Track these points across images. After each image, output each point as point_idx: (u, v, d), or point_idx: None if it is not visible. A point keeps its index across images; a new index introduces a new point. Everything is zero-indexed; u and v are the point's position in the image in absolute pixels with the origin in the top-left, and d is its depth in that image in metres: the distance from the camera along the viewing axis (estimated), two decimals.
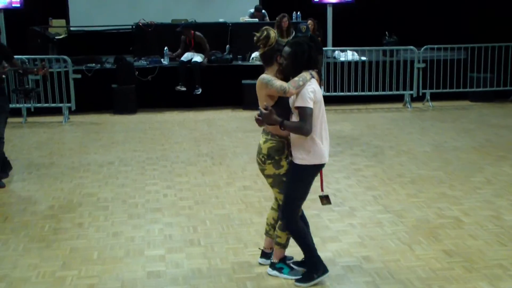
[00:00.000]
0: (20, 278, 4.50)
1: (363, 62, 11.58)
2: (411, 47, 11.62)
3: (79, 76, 10.88)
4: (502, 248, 4.93)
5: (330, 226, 5.46)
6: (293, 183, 4.24)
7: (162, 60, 11.76)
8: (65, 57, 10.86)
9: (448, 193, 6.37)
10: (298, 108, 4.08)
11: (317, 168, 4.25)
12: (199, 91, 11.41)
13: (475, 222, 5.52)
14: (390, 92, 11.63)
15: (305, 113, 4.05)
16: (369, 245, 5.02)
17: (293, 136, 4.20)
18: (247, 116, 10.85)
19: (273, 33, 4.22)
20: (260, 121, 4.16)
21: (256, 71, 12.79)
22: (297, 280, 4.34)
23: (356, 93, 11.53)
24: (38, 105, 10.85)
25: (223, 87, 11.69)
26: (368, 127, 9.79)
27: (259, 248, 4.72)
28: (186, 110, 11.45)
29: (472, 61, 11.74)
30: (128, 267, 4.68)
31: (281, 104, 4.20)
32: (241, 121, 10.44)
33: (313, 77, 4.15)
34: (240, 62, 12.07)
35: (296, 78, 4.09)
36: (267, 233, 4.61)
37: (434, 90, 11.74)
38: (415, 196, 6.30)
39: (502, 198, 6.18)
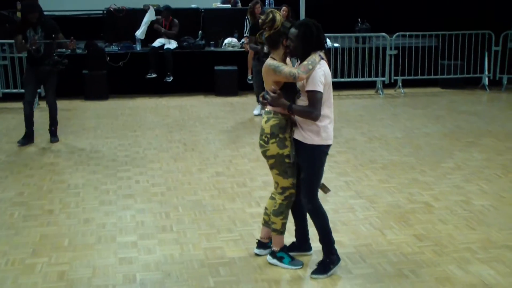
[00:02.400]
0: None
1: (336, 48, 11.59)
2: (383, 34, 11.69)
3: None
4: (471, 232, 5.01)
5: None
6: (310, 165, 4.15)
7: (133, 45, 11.63)
8: None
9: (419, 178, 6.44)
10: (308, 92, 4.00)
11: (327, 148, 4.18)
12: (171, 78, 11.31)
13: (445, 207, 5.60)
14: (362, 79, 11.70)
15: (315, 98, 3.98)
16: (341, 230, 5.05)
17: (300, 118, 4.11)
18: (220, 102, 10.82)
19: (278, 16, 4.11)
20: (266, 103, 4.12)
21: (229, 57, 12.68)
22: (313, 272, 4.26)
23: None
24: (7, 90, 10.67)
25: (195, 73, 11.62)
26: (340, 113, 9.82)
27: (256, 239, 4.65)
28: (158, 96, 11.35)
29: (443, 48, 11.86)
30: (99, 253, 4.65)
31: (288, 88, 4.12)
32: (213, 107, 10.40)
33: (322, 58, 4.06)
34: (212, 48, 12.01)
35: (305, 62, 3.99)
36: (265, 223, 4.52)
37: (405, 77, 11.83)
38: (387, 181, 6.36)
39: (471, 183, 6.28)
